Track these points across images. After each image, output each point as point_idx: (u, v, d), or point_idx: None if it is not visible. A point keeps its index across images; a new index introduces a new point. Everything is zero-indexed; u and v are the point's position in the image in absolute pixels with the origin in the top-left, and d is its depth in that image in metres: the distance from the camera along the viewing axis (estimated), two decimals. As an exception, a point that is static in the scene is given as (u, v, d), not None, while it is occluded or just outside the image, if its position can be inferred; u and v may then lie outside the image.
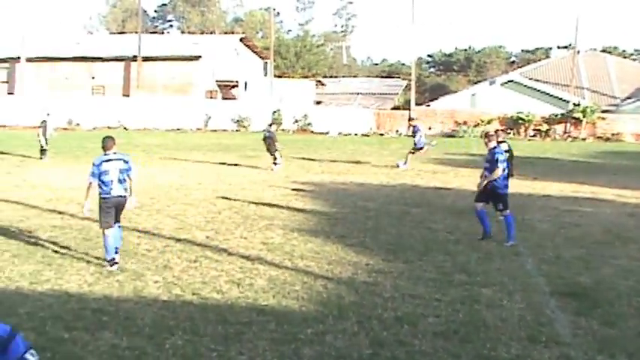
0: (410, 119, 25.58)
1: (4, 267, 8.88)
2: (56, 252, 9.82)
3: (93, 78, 49.04)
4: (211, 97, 47.81)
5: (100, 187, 9.14)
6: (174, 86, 47.39)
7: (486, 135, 11.74)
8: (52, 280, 8.44)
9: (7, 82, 50.35)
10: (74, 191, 15.26)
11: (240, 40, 55.30)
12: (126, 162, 9.31)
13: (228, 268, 9.12)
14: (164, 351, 6.17)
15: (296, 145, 25.61)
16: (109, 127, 41.40)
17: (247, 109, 43.36)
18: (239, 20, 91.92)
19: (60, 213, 12.92)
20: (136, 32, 49.06)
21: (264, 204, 14.58)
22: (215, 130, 40.75)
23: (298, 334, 6.64)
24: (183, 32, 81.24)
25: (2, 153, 24.32)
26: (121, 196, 9.25)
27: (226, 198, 15.21)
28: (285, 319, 7.07)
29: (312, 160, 24.82)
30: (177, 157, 24.70)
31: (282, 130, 41.97)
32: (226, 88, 49.84)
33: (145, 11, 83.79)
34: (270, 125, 23.24)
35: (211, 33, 70.51)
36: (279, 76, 56.61)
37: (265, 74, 55.24)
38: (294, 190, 16.92)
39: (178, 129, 40.86)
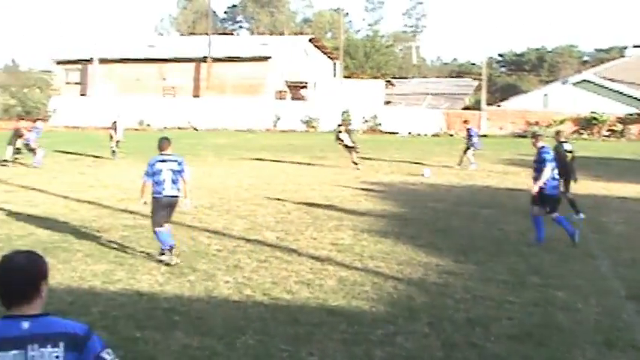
0: (465, 121, 25.09)
1: (77, 266, 9.07)
2: (128, 252, 9.99)
3: (164, 79, 50.14)
4: (280, 98, 48.18)
5: (153, 186, 9.40)
6: (243, 87, 48.01)
7: (533, 135, 11.48)
8: (124, 279, 8.58)
9: (79, 83, 51.96)
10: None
11: (310, 40, 55.53)
12: (179, 163, 9.55)
13: (298, 268, 9.16)
14: (235, 351, 6.21)
15: (365, 146, 25.47)
16: (179, 128, 42.33)
17: (316, 109, 43.51)
18: (308, 21, 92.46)
19: (131, 213, 13.15)
20: (206, 33, 49.95)
21: (333, 204, 14.61)
22: (284, 131, 41.09)
23: (369, 335, 6.61)
24: (252, 33, 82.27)
25: (75, 154, 25.02)
26: (172, 196, 9.48)
27: (296, 198, 15.29)
28: (356, 319, 7.04)
29: (382, 160, 24.68)
30: (246, 157, 24.98)
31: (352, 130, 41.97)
32: (295, 89, 50.16)
33: (215, 12, 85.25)
34: (339, 125, 23.25)
35: (280, 34, 71.12)
36: (349, 77, 56.55)
37: (334, 75, 55.31)
38: (363, 190, 16.87)
39: (247, 129, 41.38)
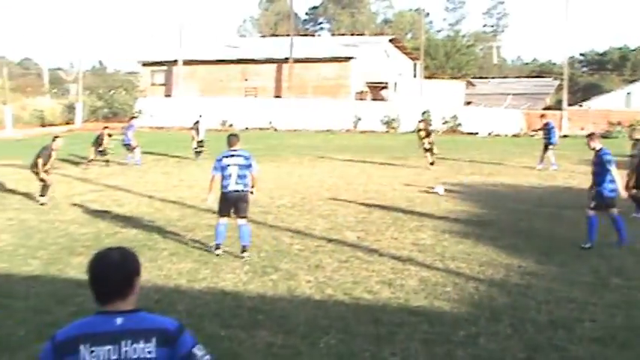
0: (542, 115, 24.27)
1: (163, 265, 9.32)
2: (212, 251, 10.15)
3: (246, 80, 51.09)
4: (361, 99, 48.23)
5: (221, 181, 9.77)
6: (324, 88, 48.33)
7: (589, 135, 10.95)
8: (209, 278, 8.78)
9: (164, 84, 53.59)
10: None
11: (390, 41, 55.38)
12: (246, 158, 9.83)
13: (379, 268, 9.18)
14: (318, 350, 6.28)
15: (445, 146, 25.20)
16: (260, 129, 43.00)
17: (396, 110, 43.31)
18: (389, 22, 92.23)
19: (214, 213, 13.36)
20: (288, 35, 50.54)
21: (414, 205, 14.55)
22: (364, 132, 41.08)
23: (451, 335, 6.58)
24: (333, 34, 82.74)
25: (160, 154, 25.65)
26: (238, 191, 9.74)
27: (376, 199, 15.29)
28: (437, 320, 7.03)
29: (462, 161, 24.33)
30: (327, 157, 25.13)
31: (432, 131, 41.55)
32: (376, 89, 50.10)
33: (297, 14, 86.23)
34: (420, 122, 23.07)
35: (361, 35, 71.24)
36: (429, 77, 56.06)
37: (415, 75, 54.92)
38: (444, 190, 16.70)
39: (328, 130, 41.62)
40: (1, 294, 8.00)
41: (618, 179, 10.31)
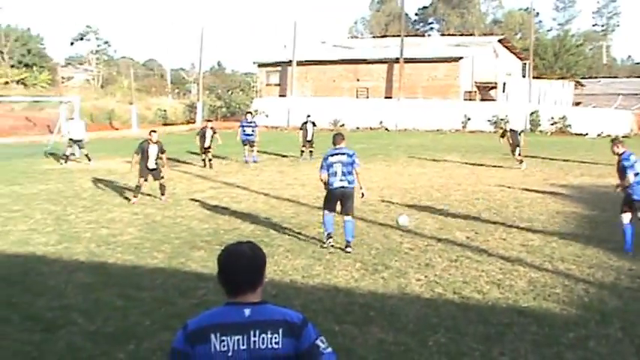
0: None
1: (279, 260, 9.49)
2: (325, 247, 10.32)
3: (357, 80, 51.39)
4: (470, 99, 47.40)
5: (327, 178, 10.11)
6: (434, 88, 47.85)
7: (612, 140, 10.47)
8: (322, 274, 8.90)
9: (279, 84, 54.74)
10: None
11: (499, 41, 54.08)
12: (350, 156, 10.09)
13: (488, 268, 9.07)
14: (427, 348, 6.28)
15: (554, 147, 24.40)
16: (371, 128, 43.20)
17: (505, 110, 42.24)
18: (498, 22, 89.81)
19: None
20: (398, 35, 50.36)
21: (522, 206, 14.25)
22: (472, 132, 40.34)
23: (560, 337, 6.44)
24: (442, 34, 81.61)
25: (275, 153, 26.23)
26: (343, 187, 10.03)
27: (485, 199, 15.05)
28: (547, 321, 6.88)
29: (571, 161, 23.44)
30: (436, 157, 24.91)
31: (540, 131, 40.19)
32: (484, 90, 49.07)
33: (407, 14, 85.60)
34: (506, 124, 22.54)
35: (470, 35, 69.87)
36: (538, 77, 54.12)
37: (523, 75, 53.26)
38: (552, 192, 16.23)
39: (437, 130, 41.18)
40: (129, 285, 8.34)
41: (628, 183, 9.89)
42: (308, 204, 14.55)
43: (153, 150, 14.54)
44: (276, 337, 2.83)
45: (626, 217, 10.02)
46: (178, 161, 22.97)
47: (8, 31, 61.03)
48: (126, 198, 15.17)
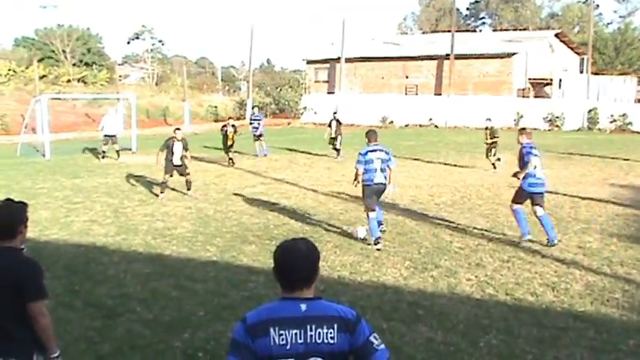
0: None
1: (327, 256, 9.49)
2: (372, 245, 10.31)
3: (406, 77, 51.01)
4: (524, 96, 46.50)
5: (364, 174, 10.26)
6: (485, 84, 47.15)
7: (520, 130, 11.43)
8: (370, 271, 8.93)
9: (327, 81, 54.76)
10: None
11: (556, 35, 52.78)
12: (387, 153, 10.34)
13: (541, 270, 8.91)
14: (478, 349, 6.23)
15: (614, 146, 23.70)
16: (420, 125, 42.86)
17: (561, 107, 41.31)
18: (555, 15, 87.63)
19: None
20: (449, 31, 49.73)
21: (579, 206, 13.92)
22: (526, 129, 39.56)
23: (619, 344, 6.29)
24: (495, 30, 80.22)
25: (323, 150, 26.08)
26: (381, 183, 10.26)
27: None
28: (605, 327, 6.72)
29: (632, 161, 22.73)
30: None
31: (598, 129, 39.16)
32: (539, 86, 48.04)
33: (458, 9, 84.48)
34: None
35: (524, 29, 68.44)
36: (597, 73, 52.69)
37: (581, 71, 51.92)
38: (612, 192, 15.78)
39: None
40: (183, 276, 8.68)
41: (523, 173, 10.54)
42: (356, 201, 14.50)
43: (178, 147, 14.89)
44: (331, 333, 2.89)
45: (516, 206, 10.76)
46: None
47: (70, 31, 63.38)
48: (183, 193, 15.40)
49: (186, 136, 18.68)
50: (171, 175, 15.00)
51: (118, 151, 22.81)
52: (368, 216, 10.33)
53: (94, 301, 7.70)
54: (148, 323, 6.93)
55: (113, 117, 23.84)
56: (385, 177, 10.27)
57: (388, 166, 10.28)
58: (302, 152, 25.80)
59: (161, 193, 14.97)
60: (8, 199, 4.14)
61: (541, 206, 10.48)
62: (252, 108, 24.55)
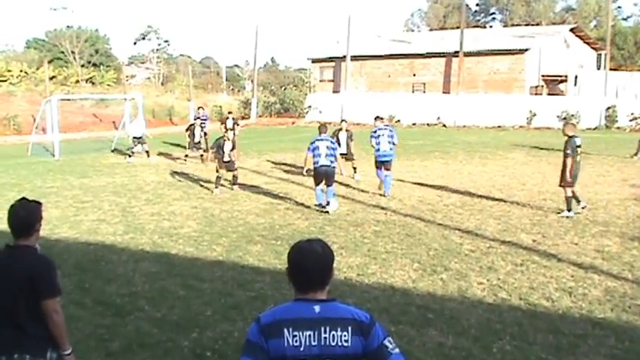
0: None
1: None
2: (380, 246, 10.41)
3: (414, 75, 50.88)
4: (536, 94, 46.25)
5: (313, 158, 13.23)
6: (496, 82, 46.98)
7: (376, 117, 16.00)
8: (378, 273, 8.95)
9: (332, 80, 54.61)
10: (395, 187, 16.05)
11: (571, 30, 52.46)
12: (332, 142, 13.64)
13: (557, 274, 8.82)
14: (491, 355, 6.19)
15: (633, 145, 23.48)
16: (427, 125, 42.70)
17: (576, 105, 41.04)
18: (570, 9, 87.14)
19: (383, 209, 13.73)
20: (458, 27, 49.49)
21: (597, 208, 13.72)
22: (539, 128, 39.43)
23: (642, 352, 6.21)
24: (505, 25, 79.92)
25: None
26: (325, 165, 13.28)
27: (554, 200, 14.60)
28: (626, 335, 6.64)
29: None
30: (498, 155, 24.46)
31: (617, 128, 38.91)
32: (553, 83, 47.78)
33: (467, 5, 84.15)
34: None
35: (537, 24, 68.12)
36: (615, 69, 52.32)
37: (598, 67, 51.60)
38: (632, 193, 15.62)
39: (499, 126, 40.43)
40: (190, 276, 8.88)
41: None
42: (363, 201, 14.66)
43: (228, 146, 16.22)
44: (345, 335, 2.91)
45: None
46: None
47: (79, 32, 64.81)
48: (184, 192, 15.76)
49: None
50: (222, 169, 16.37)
51: (147, 151, 23.56)
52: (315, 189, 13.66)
53: (104, 299, 7.93)
54: (156, 322, 7.12)
55: (140, 120, 25.19)
56: (331, 161, 13.26)
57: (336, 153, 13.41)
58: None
59: (216, 188, 15.98)
60: (23, 198, 4.27)
61: None
62: (198, 108, 25.71)
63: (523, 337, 6.56)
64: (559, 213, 13.05)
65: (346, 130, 18.67)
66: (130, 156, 23.35)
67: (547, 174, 19.08)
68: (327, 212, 13.06)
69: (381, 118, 16.03)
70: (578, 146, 13.17)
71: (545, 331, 6.74)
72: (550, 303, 7.67)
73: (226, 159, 16.22)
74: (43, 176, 19.19)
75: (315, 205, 13.60)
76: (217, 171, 16.19)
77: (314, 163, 13.29)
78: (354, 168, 18.15)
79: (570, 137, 13.08)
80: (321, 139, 13.40)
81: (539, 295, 7.92)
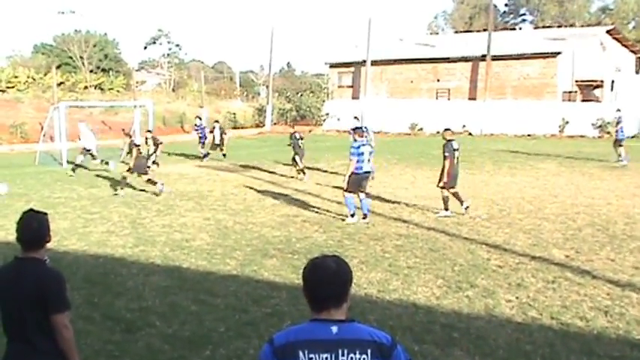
0: None
1: (353, 273, 9.59)
2: (402, 261, 10.42)
3: (438, 80, 50.79)
4: (569, 100, 46.02)
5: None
6: (525, 87, 46.82)
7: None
8: (400, 289, 8.96)
9: (351, 86, 54.62)
10: (418, 199, 16.13)
11: (608, 32, 52.12)
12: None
13: (592, 292, 8.78)
14: (522, 376, 6.18)
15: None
16: (452, 133, 42.53)
17: (613, 112, 40.69)
18: (607, 9, 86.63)
19: (404, 222, 13.72)
20: (485, 30, 49.42)
21: (634, 222, 13.63)
22: (572, 137, 39.26)
23: (684, 377, 6.17)
24: (536, 27, 79.63)
25: (341, 164, 26.28)
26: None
27: (588, 213, 14.56)
28: (669, 358, 6.60)
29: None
30: (528, 166, 24.39)
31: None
32: (587, 89, 47.52)
33: (495, 6, 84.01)
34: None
35: (571, 26, 67.81)
36: (656, 73, 51.99)
37: (637, 71, 51.25)
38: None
39: (529, 135, 40.26)
40: (203, 290, 8.94)
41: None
42: (383, 214, 14.66)
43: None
44: (365, 358, 2.87)
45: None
46: (248, 166, 24.29)
47: (88, 37, 65.81)
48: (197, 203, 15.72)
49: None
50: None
51: (103, 160, 24.11)
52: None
53: (113, 313, 8.02)
54: (167, 338, 7.18)
55: (91, 134, 25.07)
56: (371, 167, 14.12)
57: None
58: (324, 162, 25.87)
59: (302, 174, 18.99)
60: (31, 210, 4.31)
61: None
62: (195, 117, 27.30)
63: (555, 359, 6.54)
64: (436, 213, 14.41)
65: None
66: (107, 164, 23.67)
67: (580, 186, 19.03)
68: (367, 223, 13.33)
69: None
70: (456, 149, 14.62)
71: (578, 352, 6.71)
72: (584, 323, 7.63)
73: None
74: (51, 186, 19.59)
75: (350, 215, 13.60)
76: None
77: (356, 169, 13.48)
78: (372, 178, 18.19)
79: (448, 141, 14.66)
80: (365, 144, 13.76)
81: (573, 315, 7.89)
